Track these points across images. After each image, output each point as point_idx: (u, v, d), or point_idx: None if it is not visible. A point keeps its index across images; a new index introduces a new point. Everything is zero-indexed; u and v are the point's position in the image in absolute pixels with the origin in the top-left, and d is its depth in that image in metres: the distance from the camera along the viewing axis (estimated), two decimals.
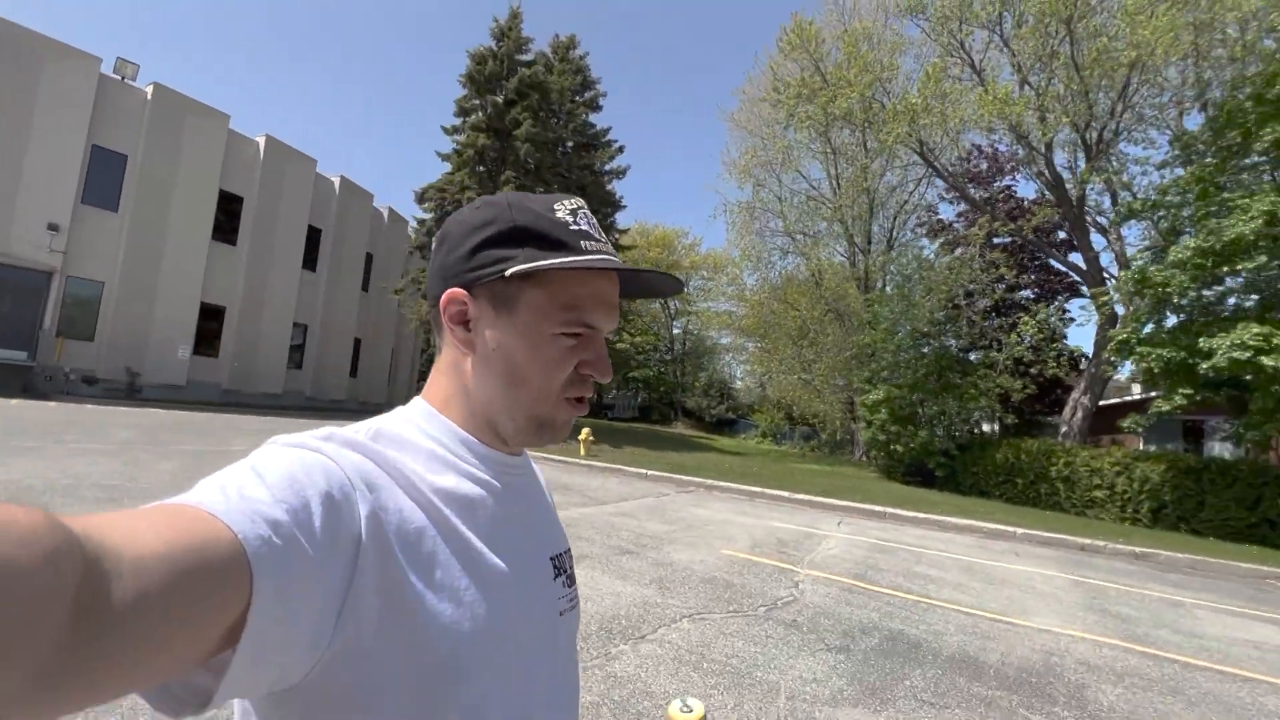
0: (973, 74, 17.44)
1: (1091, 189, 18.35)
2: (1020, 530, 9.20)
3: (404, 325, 25.14)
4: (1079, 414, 17.31)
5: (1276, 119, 11.33)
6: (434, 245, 0.62)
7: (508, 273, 0.55)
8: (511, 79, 17.84)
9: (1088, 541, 8.81)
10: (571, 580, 0.67)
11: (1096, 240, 17.97)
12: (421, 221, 18.56)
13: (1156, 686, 3.66)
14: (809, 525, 8.29)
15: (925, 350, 18.01)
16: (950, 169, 19.53)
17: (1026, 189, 30.51)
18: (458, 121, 18.50)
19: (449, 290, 0.58)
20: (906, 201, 23.44)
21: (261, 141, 19.90)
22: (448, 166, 18.86)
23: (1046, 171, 16.76)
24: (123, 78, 16.79)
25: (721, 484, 11.36)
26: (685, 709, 0.96)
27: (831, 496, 10.89)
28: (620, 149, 21.69)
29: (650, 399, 41.54)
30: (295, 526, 0.40)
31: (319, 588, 0.42)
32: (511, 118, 17.74)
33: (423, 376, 52.66)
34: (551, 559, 0.64)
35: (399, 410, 0.61)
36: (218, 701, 0.37)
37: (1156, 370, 12.33)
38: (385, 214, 26.29)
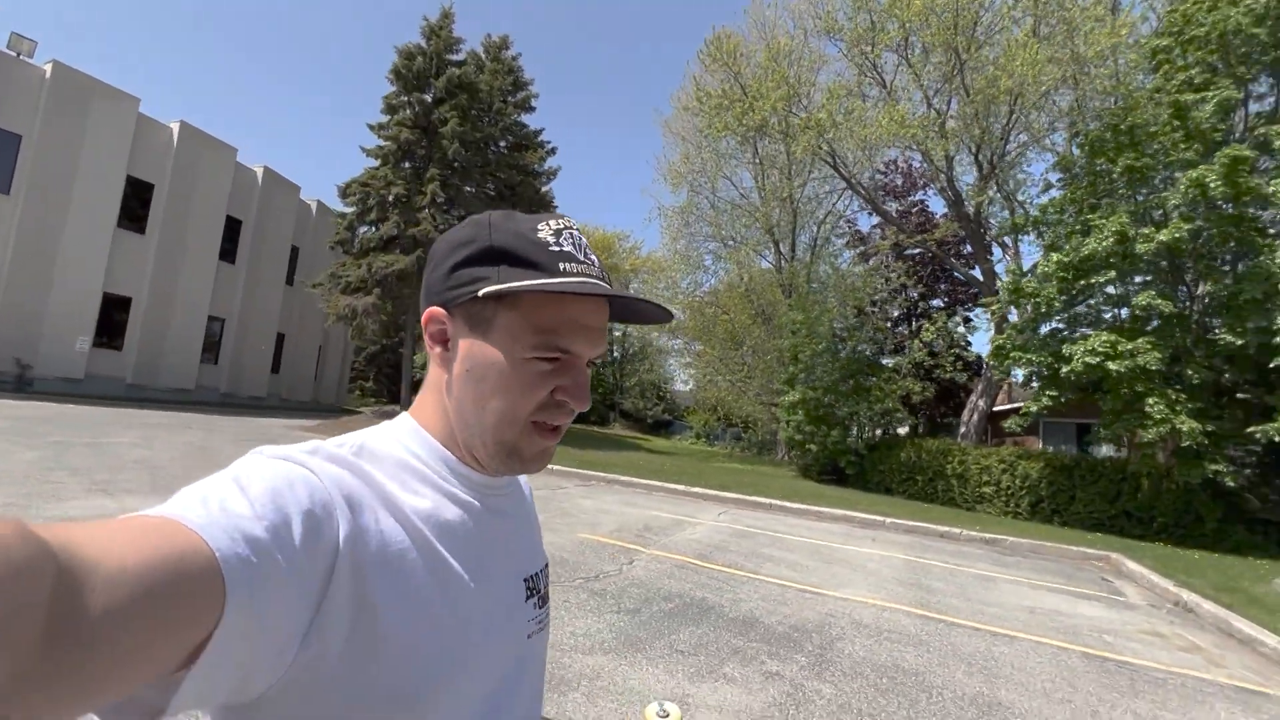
0: (885, 93, 18.49)
1: (993, 205, 19.71)
2: (890, 520, 9.90)
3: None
4: (975, 416, 18.54)
5: (1130, 149, 12.55)
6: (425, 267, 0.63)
7: (480, 293, 0.55)
8: (440, 78, 17.83)
9: (946, 529, 9.58)
10: (544, 600, 0.67)
11: (1000, 253, 19.33)
12: (343, 215, 18.30)
13: (908, 640, 4.18)
14: (688, 515, 8.73)
15: (840, 354, 18.91)
16: (867, 183, 20.59)
17: (938, 204, 32.22)
18: (385, 119, 18.35)
19: (429, 309, 0.59)
20: (830, 212, 24.53)
21: (175, 128, 19.20)
22: (374, 162, 18.65)
23: (949, 188, 17.91)
24: (18, 54, 15.97)
25: (625, 479, 11.72)
26: (662, 713, 0.92)
27: (728, 490, 11.40)
28: (553, 150, 21.92)
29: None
30: (274, 543, 0.40)
31: (291, 605, 0.42)
32: (439, 116, 17.73)
33: (359, 375, 51.36)
34: (525, 580, 0.64)
35: (385, 425, 0.61)
36: (169, 714, 0.37)
37: (1026, 374, 13.39)
38: (314, 207, 25.68)
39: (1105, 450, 21.05)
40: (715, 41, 16.83)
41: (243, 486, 0.43)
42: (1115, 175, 12.94)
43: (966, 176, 18.73)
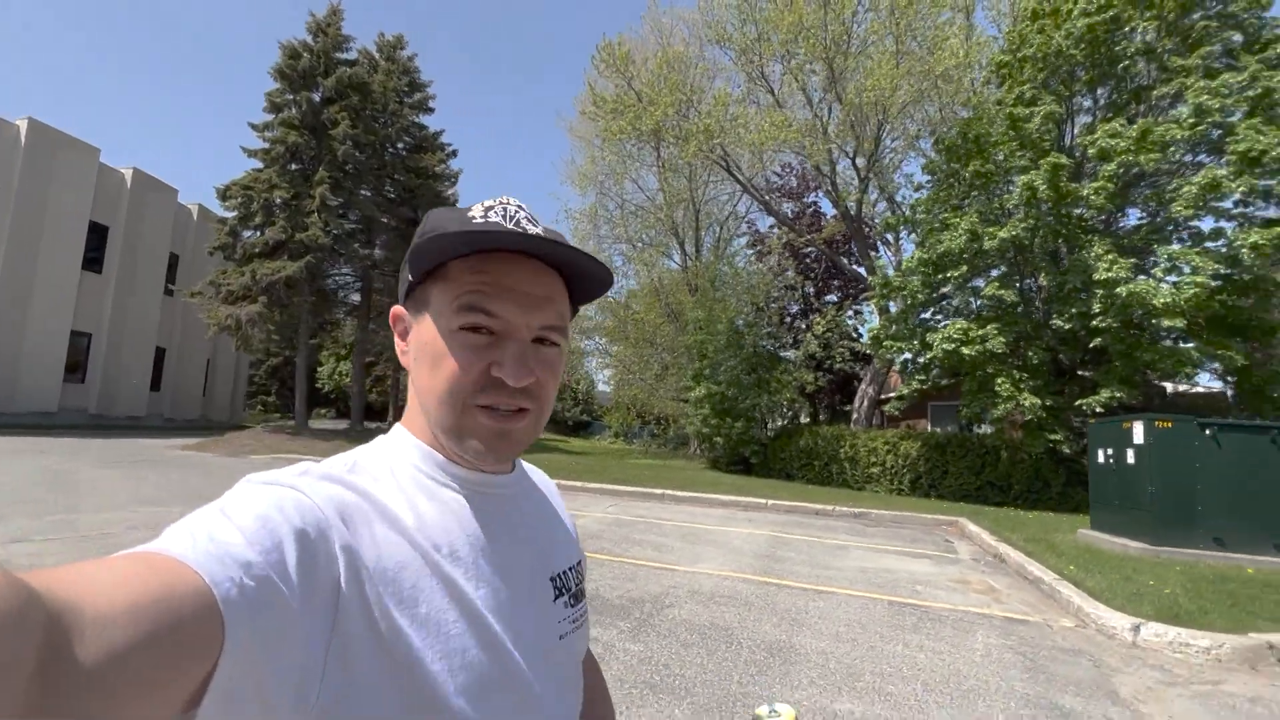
0: (773, 101, 19.52)
1: (879, 205, 21.23)
2: (772, 502, 10.57)
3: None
4: (865, 402, 19.88)
5: (978, 155, 13.96)
6: None
7: (409, 276, 0.56)
8: (329, 77, 17.20)
9: (822, 507, 10.34)
10: (576, 598, 0.65)
11: (885, 250, 20.84)
12: (223, 221, 17.28)
13: (735, 602, 4.61)
14: (579, 509, 8.98)
15: (741, 349, 19.79)
16: (761, 185, 21.64)
17: (830, 205, 34.21)
18: (269, 118, 17.48)
19: (393, 310, 0.60)
20: (731, 214, 25.58)
21: (22, 125, 17.49)
22: (258, 163, 17.73)
23: (833, 190, 19.15)
24: None
25: None
26: (774, 714, 0.88)
27: (625, 485, 11.76)
28: (454, 152, 21.60)
29: None
30: (269, 567, 0.39)
31: (296, 630, 0.40)
32: (329, 116, 17.11)
33: (260, 389, 48.20)
34: (551, 579, 0.62)
35: (379, 439, 0.60)
36: None
37: (900, 362, 14.59)
38: (195, 211, 24.03)
39: (986, 429, 23.24)
40: (606, 49, 17.22)
41: (229, 515, 0.42)
42: (966, 179, 14.34)
43: (853, 180, 20.13)
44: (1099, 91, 14.36)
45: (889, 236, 21.48)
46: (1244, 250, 10.66)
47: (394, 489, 0.54)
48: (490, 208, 0.57)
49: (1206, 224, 12.27)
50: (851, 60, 16.20)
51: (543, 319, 0.56)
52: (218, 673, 0.34)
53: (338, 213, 17.39)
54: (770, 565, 5.97)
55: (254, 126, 17.32)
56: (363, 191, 19.31)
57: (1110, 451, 7.58)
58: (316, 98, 17.36)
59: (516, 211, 0.57)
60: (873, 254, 22.78)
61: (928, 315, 15.61)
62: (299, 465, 0.52)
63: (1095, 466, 8.08)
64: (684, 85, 17.78)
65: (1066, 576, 5.56)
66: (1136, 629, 4.23)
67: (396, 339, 0.60)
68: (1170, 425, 6.77)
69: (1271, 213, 11.81)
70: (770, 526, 8.50)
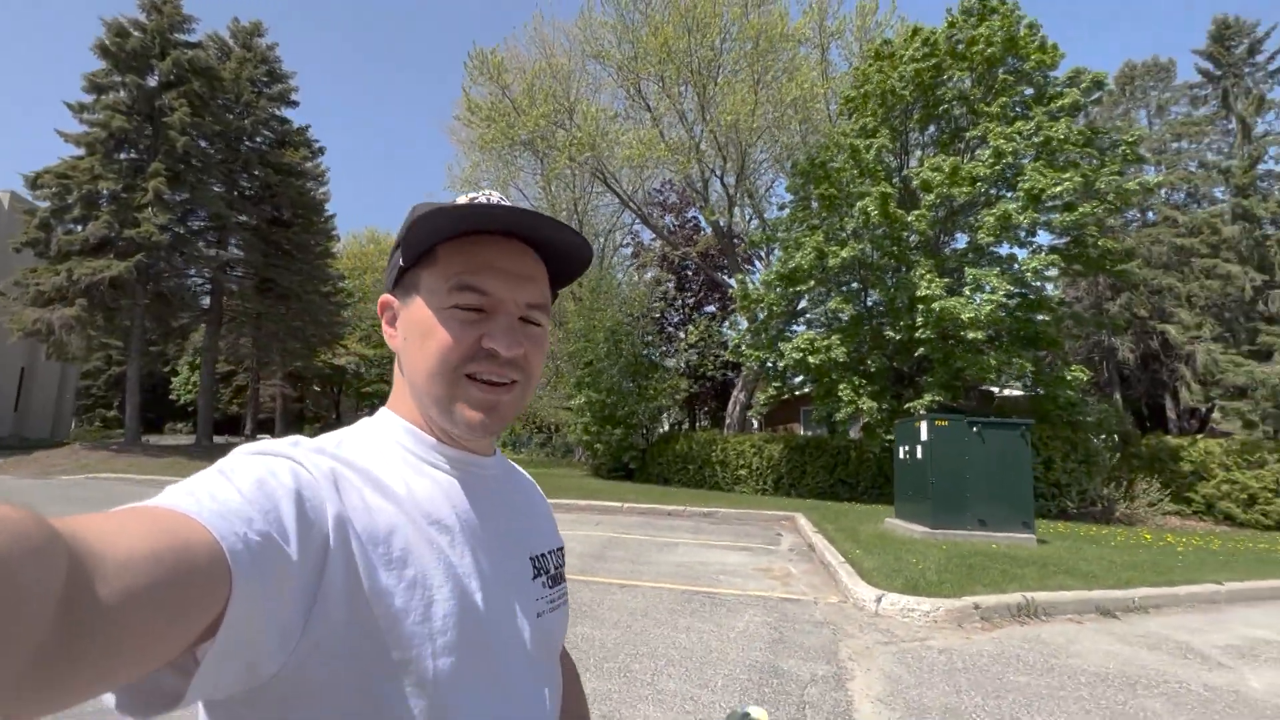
0: (651, 118, 20.23)
1: (754, 221, 22.50)
2: (627, 504, 10.93)
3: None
4: (737, 408, 20.96)
5: (825, 181, 15.28)
6: None
7: (401, 260, 0.58)
8: (165, 59, 15.73)
9: (674, 508, 10.83)
10: (555, 580, 0.67)
11: (758, 265, 22.12)
12: (30, 213, 15.26)
13: None
14: None
15: (621, 357, 20.22)
16: (640, 199, 22.29)
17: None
18: (89, 99, 15.66)
19: (380, 298, 0.63)
20: (616, 225, 26.10)
21: None
22: (79, 150, 15.84)
23: (705, 206, 20.12)
24: None
25: None
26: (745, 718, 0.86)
27: None
28: (321, 149, 20.46)
29: None
30: (268, 526, 0.41)
31: (292, 586, 0.42)
32: (165, 103, 15.63)
33: (100, 402, 42.71)
34: (531, 559, 0.64)
35: (364, 420, 0.62)
36: (188, 701, 0.38)
37: (755, 369, 15.57)
38: (5, 201, 21.03)
39: (854, 433, 25.19)
40: (478, 56, 17.11)
41: (229, 477, 0.44)
42: (815, 201, 15.64)
43: (724, 198, 21.26)
44: (930, 129, 16.17)
45: (762, 251, 22.89)
46: (1028, 273, 12.44)
47: (380, 462, 0.56)
48: (474, 197, 0.60)
49: (1014, 249, 14.25)
50: (723, 85, 17.18)
51: (529, 296, 0.60)
52: (225, 621, 0.37)
53: (179, 209, 15.89)
54: (593, 564, 6.22)
55: (71, 107, 15.44)
56: (214, 187, 17.80)
57: (907, 448, 8.59)
58: (151, 82, 15.80)
59: (500, 200, 0.60)
60: (748, 267, 24.16)
61: (793, 326, 16.83)
62: (290, 438, 0.54)
63: (897, 461, 9.10)
64: (562, 96, 18.00)
65: (850, 559, 6.25)
66: (879, 600, 4.87)
67: (384, 326, 0.63)
68: (946, 424, 7.81)
69: (1057, 242, 13.92)
70: (615, 529, 8.80)
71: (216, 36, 18.77)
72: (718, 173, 18.56)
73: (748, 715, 0.81)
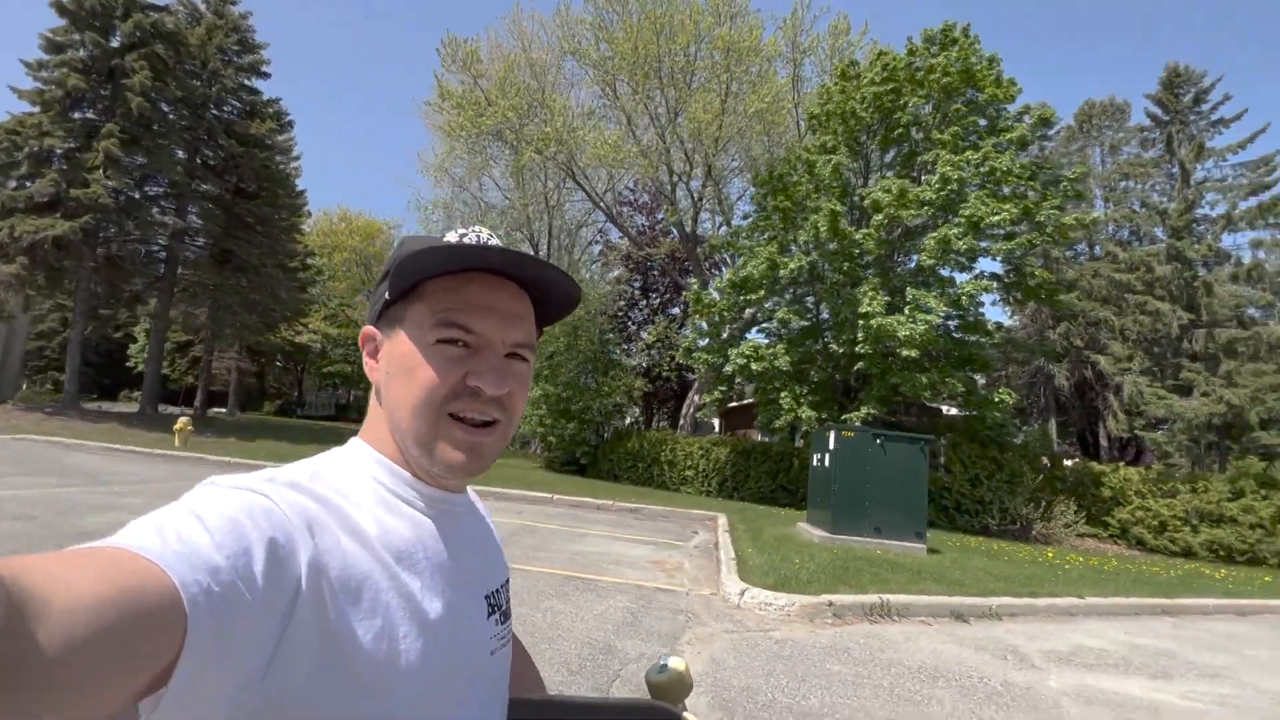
0: (625, 117, 20.46)
1: (722, 227, 22.82)
2: (556, 496, 11.15)
3: None
4: (692, 409, 21.31)
5: (782, 193, 15.66)
6: None
7: (387, 295, 0.58)
8: (127, 20, 15.50)
9: (602, 502, 11.08)
10: (506, 616, 0.67)
11: (725, 270, 22.46)
12: None
13: None
14: None
15: (579, 352, 20.43)
16: (610, 198, 22.51)
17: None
18: (46, 58, 15.36)
19: (363, 330, 0.62)
20: (588, 221, 26.28)
21: None
22: (34, 107, 15.53)
23: (673, 209, 20.42)
24: None
25: None
26: (664, 669, 0.87)
27: None
28: (290, 122, 20.30)
29: (351, 397, 39.39)
30: (234, 573, 0.40)
31: (254, 634, 0.41)
32: (126, 65, 15.40)
33: (52, 364, 41.62)
34: (486, 597, 0.64)
35: (335, 451, 0.61)
36: None
37: (703, 371, 15.90)
38: None
39: (799, 440, 25.76)
40: (450, 44, 17.16)
41: (199, 516, 0.42)
42: (771, 212, 16.02)
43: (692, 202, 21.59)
44: (890, 152, 16.65)
45: (727, 257, 23.28)
46: (963, 297, 12.95)
47: (354, 500, 0.55)
48: (464, 235, 0.60)
49: (960, 273, 14.79)
50: (698, 93, 17.48)
51: (516, 336, 0.59)
52: (177, 669, 0.35)
53: (136, 173, 15.68)
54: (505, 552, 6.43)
55: (28, 65, 15.14)
56: (176, 153, 17.56)
57: (819, 456, 8.96)
58: (113, 43, 15.56)
59: (489, 238, 0.61)
60: (714, 272, 24.50)
61: (752, 332, 17.22)
62: (264, 471, 0.52)
63: (811, 469, 9.47)
64: (535, 90, 18.12)
65: (739, 556, 6.56)
66: (742, 594, 5.17)
67: (365, 358, 0.62)
68: (852, 434, 8.18)
69: (998, 269, 14.49)
70: (535, 518, 9.02)
71: (188, 1, 18.51)
72: (683, 178, 18.86)
73: (666, 665, 0.85)
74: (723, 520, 10.10)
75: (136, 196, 15.78)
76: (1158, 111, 18.62)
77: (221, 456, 11.91)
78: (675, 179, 19.81)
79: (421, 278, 0.58)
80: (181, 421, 13.04)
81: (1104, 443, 20.08)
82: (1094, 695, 4.01)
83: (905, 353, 12.77)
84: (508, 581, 0.71)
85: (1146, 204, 17.92)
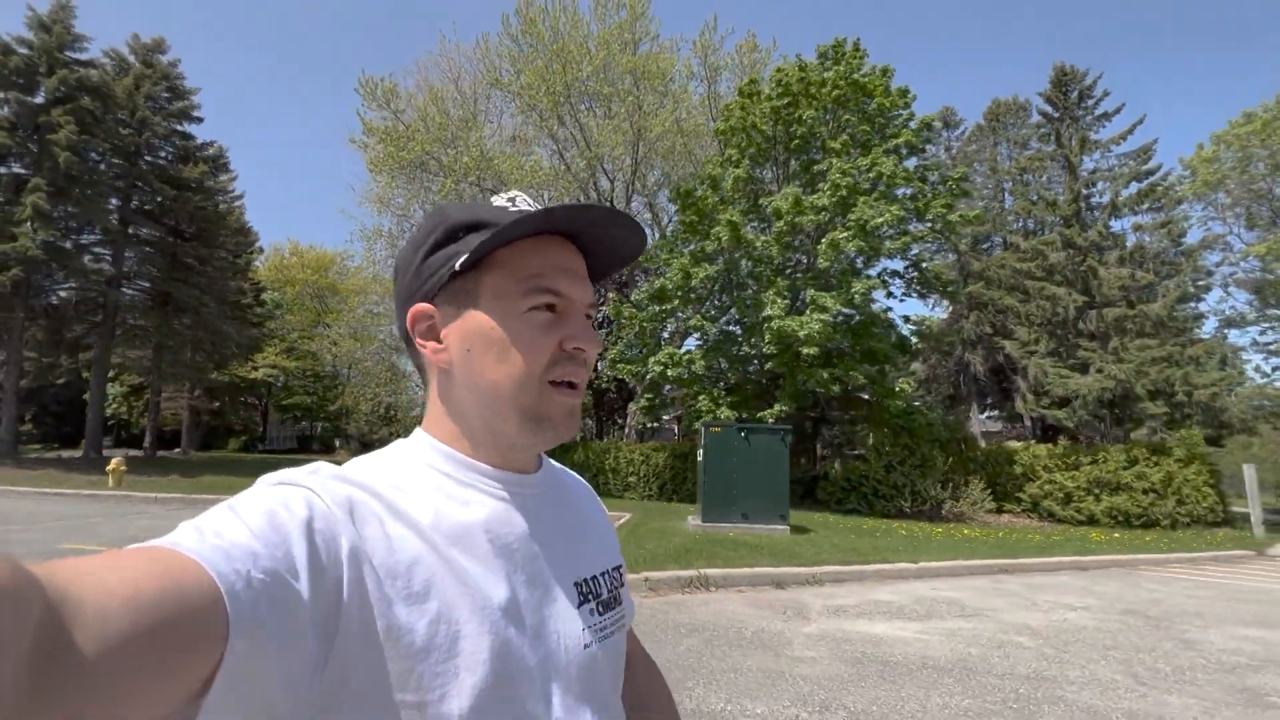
0: (553, 142, 21.29)
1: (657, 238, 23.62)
2: None
3: None
4: (633, 417, 22.01)
5: (691, 208, 16.51)
6: (394, 281, 0.61)
7: (457, 265, 0.54)
8: (51, 77, 16.00)
9: None
10: (608, 605, 0.62)
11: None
12: None
13: None
14: None
15: None
16: None
17: None
18: None
19: (412, 308, 0.57)
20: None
21: None
22: None
23: None
24: None
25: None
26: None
27: None
28: (224, 164, 20.80)
29: (312, 429, 39.50)
30: (275, 562, 0.39)
31: (303, 627, 0.40)
32: (51, 120, 15.88)
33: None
34: (577, 584, 0.60)
35: (398, 442, 0.60)
36: None
37: (630, 380, 16.63)
38: None
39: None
40: (368, 84, 17.89)
41: (238, 512, 0.42)
42: (679, 226, 16.89)
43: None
44: (794, 162, 17.64)
45: (655, 269, 24.16)
46: (856, 295, 13.86)
47: (407, 488, 0.53)
48: (513, 198, 0.59)
49: (866, 272, 15.72)
50: (613, 118, 18.38)
51: (589, 295, 0.58)
52: (223, 666, 0.34)
53: (63, 223, 16.10)
54: None
55: None
56: (110, 201, 18.00)
57: (702, 451, 9.70)
58: (38, 100, 16.03)
59: (526, 201, 0.59)
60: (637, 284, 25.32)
61: (688, 343, 18.01)
62: (311, 464, 0.52)
63: (698, 463, 10.21)
64: (454, 123, 18.88)
65: None
66: None
67: (416, 340, 0.58)
68: (720, 430, 8.94)
69: (897, 266, 15.48)
70: None
71: (115, 53, 19.00)
72: (607, 197, 19.71)
73: None
74: (626, 518, 10.78)
75: (68, 246, 16.17)
76: (1048, 109, 19.93)
77: (150, 493, 12.32)
78: (602, 199, 20.67)
79: (496, 245, 0.54)
80: (115, 462, 13.41)
81: (1027, 423, 21.18)
82: (833, 635, 4.76)
83: (806, 351, 13.61)
84: (618, 569, 0.67)
85: (1042, 196, 19.13)
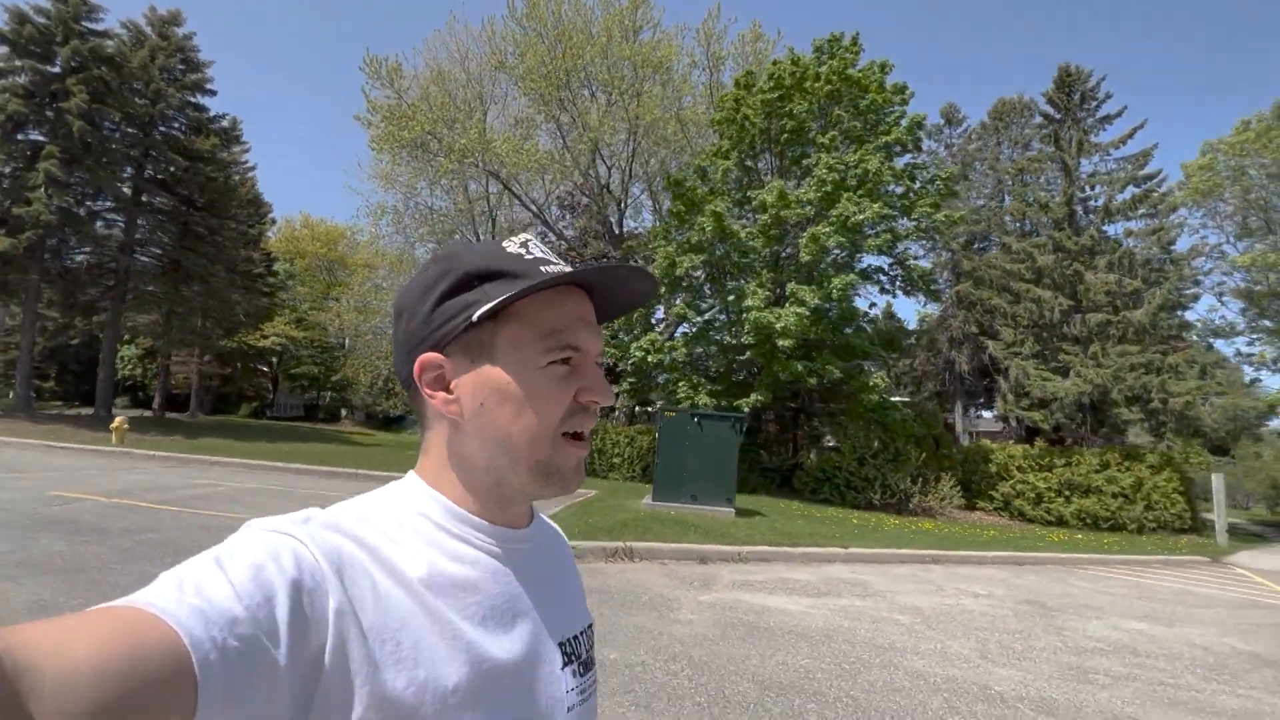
0: (556, 126, 21.58)
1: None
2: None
3: None
4: (621, 400, 22.52)
5: (680, 199, 16.78)
6: (393, 322, 0.60)
7: (475, 316, 0.53)
8: (66, 46, 16.58)
9: None
10: (586, 666, 0.62)
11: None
12: None
13: (228, 530, 6.18)
14: (258, 483, 10.11)
15: None
16: (550, 201, 23.70)
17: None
18: None
19: (421, 356, 0.55)
20: (531, 224, 27.47)
21: None
22: None
23: (599, 211, 21.59)
24: None
25: (233, 461, 12.65)
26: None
27: (334, 466, 12.98)
28: (237, 136, 21.38)
29: (319, 398, 40.55)
30: (255, 625, 0.38)
31: (280, 691, 0.39)
32: (65, 88, 16.50)
33: (37, 374, 42.67)
34: (560, 644, 0.59)
35: (392, 486, 0.58)
36: None
37: (614, 361, 17.10)
38: None
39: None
40: (373, 63, 18.27)
41: (222, 565, 0.41)
42: (667, 215, 17.20)
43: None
44: (786, 155, 17.81)
45: (649, 256, 24.48)
46: (834, 290, 14.15)
47: (402, 540, 0.52)
48: (525, 243, 0.58)
49: (858, 265, 15.97)
50: (612, 105, 18.62)
51: (600, 344, 0.58)
52: None
53: (77, 190, 16.80)
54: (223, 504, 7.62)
55: None
56: (123, 170, 18.68)
57: (657, 435, 10.17)
58: (54, 68, 16.64)
59: (543, 246, 0.59)
60: None
61: (679, 329, 18.42)
62: (304, 511, 0.51)
63: (656, 446, 10.68)
64: (462, 103, 19.24)
65: (559, 518, 7.75)
66: None
67: (424, 390, 0.56)
68: (674, 415, 9.39)
69: (881, 262, 15.72)
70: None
71: (132, 24, 19.55)
72: (606, 184, 20.04)
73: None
74: (590, 495, 11.32)
75: (81, 213, 16.88)
76: (1050, 110, 19.81)
77: (150, 451, 13.07)
78: (600, 184, 20.99)
79: (517, 298, 0.52)
80: (118, 420, 14.19)
81: (1013, 423, 21.38)
82: (724, 603, 5.23)
83: (782, 343, 13.96)
84: (590, 627, 0.66)
85: (1036, 198, 19.12)
